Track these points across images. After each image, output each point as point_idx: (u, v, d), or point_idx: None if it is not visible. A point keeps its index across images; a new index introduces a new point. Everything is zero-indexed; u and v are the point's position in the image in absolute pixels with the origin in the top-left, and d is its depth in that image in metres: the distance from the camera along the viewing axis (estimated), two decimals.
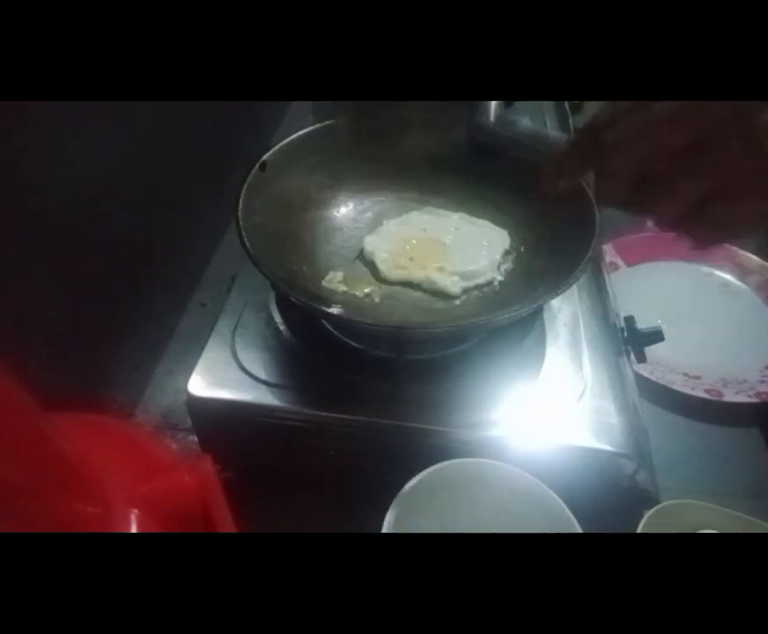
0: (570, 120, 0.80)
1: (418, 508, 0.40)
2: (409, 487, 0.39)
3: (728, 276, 0.73)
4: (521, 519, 0.40)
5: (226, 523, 0.31)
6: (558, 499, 0.40)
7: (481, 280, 0.54)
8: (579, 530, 0.38)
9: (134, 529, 0.28)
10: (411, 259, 0.55)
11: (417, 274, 0.54)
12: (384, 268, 0.54)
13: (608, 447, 0.44)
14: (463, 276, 0.54)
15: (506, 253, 0.56)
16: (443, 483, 0.41)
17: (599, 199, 0.34)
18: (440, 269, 0.54)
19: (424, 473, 0.40)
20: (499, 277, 0.55)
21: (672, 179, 0.29)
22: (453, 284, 0.53)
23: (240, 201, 0.50)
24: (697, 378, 0.61)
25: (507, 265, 0.56)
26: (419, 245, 0.56)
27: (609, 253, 0.73)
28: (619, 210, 0.32)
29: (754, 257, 0.74)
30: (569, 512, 0.39)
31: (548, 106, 0.81)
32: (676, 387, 0.59)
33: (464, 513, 0.41)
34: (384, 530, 0.37)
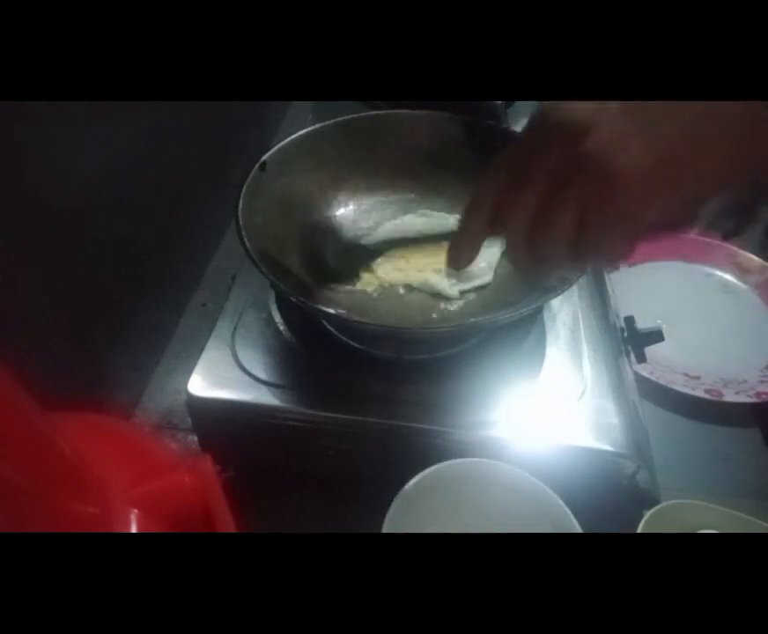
0: None
1: (418, 508, 0.40)
2: (409, 487, 0.39)
3: (728, 276, 0.73)
4: (521, 519, 0.40)
5: (226, 523, 0.31)
6: (558, 499, 0.40)
7: (478, 282, 0.54)
8: (580, 530, 0.38)
9: (134, 529, 0.28)
10: (408, 262, 0.55)
11: (414, 276, 0.54)
12: (381, 271, 0.54)
13: (608, 447, 0.44)
14: (461, 278, 0.54)
15: (504, 254, 0.56)
16: (443, 483, 0.41)
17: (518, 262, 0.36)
18: (438, 272, 0.54)
19: (424, 473, 0.40)
20: (497, 279, 0.55)
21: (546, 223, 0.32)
22: (450, 287, 0.53)
23: (240, 201, 0.50)
24: (697, 378, 0.61)
25: (505, 267, 0.56)
26: (416, 247, 0.56)
27: None
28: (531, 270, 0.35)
29: (754, 257, 0.74)
30: (569, 512, 0.39)
31: None
32: (676, 387, 0.59)
33: (464, 513, 0.41)
34: (384, 530, 0.37)
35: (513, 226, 0.33)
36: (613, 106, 0.30)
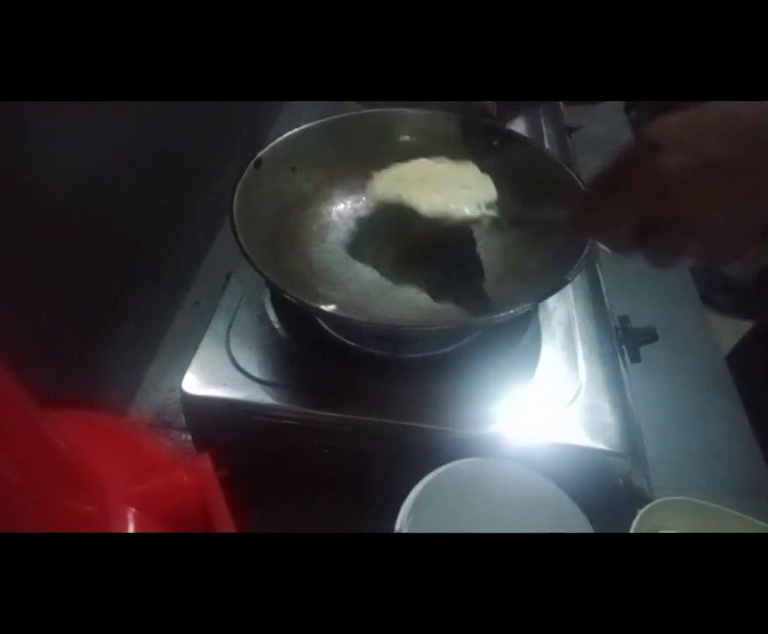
0: (568, 140, 0.80)
1: (429, 507, 0.39)
2: (421, 485, 0.39)
3: None
4: (531, 518, 0.40)
5: (225, 522, 0.31)
6: (569, 498, 0.39)
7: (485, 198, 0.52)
8: (591, 529, 0.38)
9: (132, 528, 0.28)
10: (412, 173, 0.53)
11: (411, 194, 0.52)
12: (377, 184, 0.53)
13: (602, 446, 0.44)
14: (467, 203, 0.51)
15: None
16: (456, 482, 0.40)
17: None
18: (437, 191, 0.52)
19: (438, 471, 0.39)
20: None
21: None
22: (469, 204, 0.50)
23: (235, 198, 0.50)
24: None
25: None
26: (417, 176, 0.54)
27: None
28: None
29: None
30: (581, 512, 0.38)
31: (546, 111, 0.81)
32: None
33: (476, 512, 0.40)
34: (397, 529, 0.37)
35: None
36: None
